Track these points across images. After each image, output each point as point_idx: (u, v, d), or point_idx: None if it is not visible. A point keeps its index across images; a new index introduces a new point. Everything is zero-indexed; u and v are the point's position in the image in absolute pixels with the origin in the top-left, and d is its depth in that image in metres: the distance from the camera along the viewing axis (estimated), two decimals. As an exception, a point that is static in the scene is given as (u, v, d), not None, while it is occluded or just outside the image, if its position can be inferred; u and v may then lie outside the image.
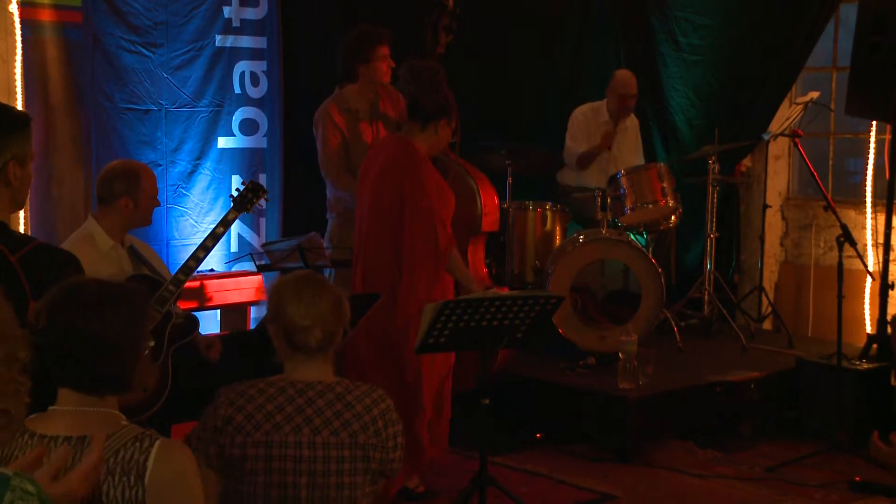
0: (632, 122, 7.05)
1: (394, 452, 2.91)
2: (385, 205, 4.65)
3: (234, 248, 6.20)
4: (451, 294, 4.76)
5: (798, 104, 6.75)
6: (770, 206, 7.18)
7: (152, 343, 3.93)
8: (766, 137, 6.85)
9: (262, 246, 5.66)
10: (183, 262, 4.11)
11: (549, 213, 6.32)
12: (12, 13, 5.26)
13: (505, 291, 4.93)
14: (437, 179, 4.72)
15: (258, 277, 5.73)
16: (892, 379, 5.71)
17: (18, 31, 5.27)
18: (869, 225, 7.00)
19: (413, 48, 5.58)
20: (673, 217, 6.45)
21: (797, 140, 6.36)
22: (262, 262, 5.33)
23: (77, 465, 1.79)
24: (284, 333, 2.88)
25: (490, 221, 5.63)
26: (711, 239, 6.69)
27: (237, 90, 6.18)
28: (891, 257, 6.11)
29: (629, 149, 7.01)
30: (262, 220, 6.29)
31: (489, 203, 5.60)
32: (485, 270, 5.74)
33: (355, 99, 5.63)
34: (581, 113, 6.97)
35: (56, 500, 1.63)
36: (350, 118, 5.60)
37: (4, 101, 5.15)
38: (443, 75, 4.77)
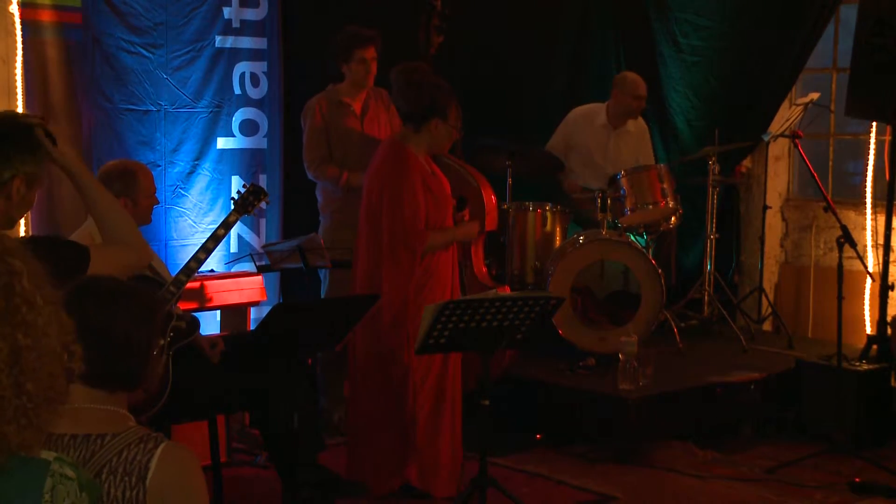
0: (636, 125, 7.00)
1: None
2: (374, 206, 4.71)
3: (234, 248, 6.19)
4: (442, 290, 4.78)
5: (798, 105, 6.75)
6: (770, 207, 7.18)
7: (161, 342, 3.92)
8: (766, 138, 6.84)
9: (263, 247, 5.66)
10: (181, 262, 4.11)
11: (549, 214, 6.32)
12: (13, 14, 5.25)
13: (507, 291, 4.93)
14: (429, 182, 4.73)
15: (258, 278, 5.74)
16: (892, 380, 5.71)
17: (19, 32, 5.26)
18: (869, 226, 7.00)
19: (408, 50, 5.58)
20: (673, 218, 6.45)
21: (797, 141, 6.36)
22: (263, 263, 5.33)
23: None
24: None
25: (491, 220, 5.65)
26: (711, 240, 6.68)
27: (237, 91, 6.16)
28: (891, 258, 6.11)
29: (629, 152, 6.94)
30: (263, 221, 6.27)
31: (489, 202, 5.61)
32: (484, 270, 5.74)
33: (345, 95, 5.71)
34: (575, 115, 6.91)
35: None
36: (337, 112, 5.67)
37: (4, 102, 5.19)
38: (421, 74, 4.73)
